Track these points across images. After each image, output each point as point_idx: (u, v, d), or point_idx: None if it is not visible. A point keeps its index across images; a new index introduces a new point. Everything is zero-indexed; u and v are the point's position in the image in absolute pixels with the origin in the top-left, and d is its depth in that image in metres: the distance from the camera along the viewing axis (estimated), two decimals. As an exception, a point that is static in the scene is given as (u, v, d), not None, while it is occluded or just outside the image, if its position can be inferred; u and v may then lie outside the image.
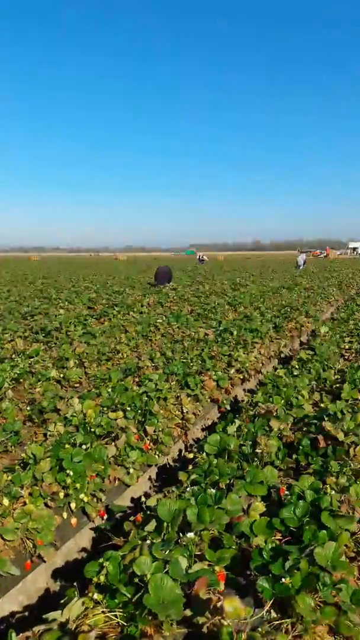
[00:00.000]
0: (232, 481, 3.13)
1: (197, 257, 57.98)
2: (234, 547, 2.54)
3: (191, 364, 6.28)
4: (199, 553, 2.49)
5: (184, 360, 6.41)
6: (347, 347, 7.63)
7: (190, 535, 2.48)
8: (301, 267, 39.14)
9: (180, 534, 2.54)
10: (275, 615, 2.13)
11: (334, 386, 5.44)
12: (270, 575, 2.24)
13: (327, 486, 2.93)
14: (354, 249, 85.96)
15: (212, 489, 2.91)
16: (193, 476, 3.22)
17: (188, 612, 2.09)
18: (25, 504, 3.10)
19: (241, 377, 6.51)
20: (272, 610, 2.15)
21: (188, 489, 3.00)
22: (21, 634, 1.98)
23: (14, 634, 1.91)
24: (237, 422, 4.11)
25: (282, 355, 8.72)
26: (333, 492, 2.86)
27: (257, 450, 3.59)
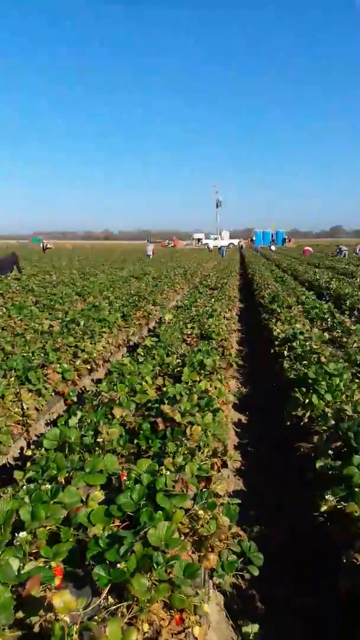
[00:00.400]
0: (71, 474, 3.08)
1: (42, 245, 55.64)
2: (71, 539, 2.51)
3: (33, 357, 6.06)
4: (35, 551, 2.41)
5: (25, 355, 6.15)
6: (189, 332, 7.97)
7: (23, 534, 2.39)
8: (150, 257, 40.05)
9: (15, 535, 2.44)
10: (113, 601, 2.15)
11: (176, 370, 5.65)
12: (107, 562, 2.25)
13: (163, 467, 3.02)
14: (199, 240, 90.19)
15: (48, 485, 2.84)
16: (29, 474, 3.11)
17: (21, 614, 2.02)
18: None
19: (89, 367, 6.46)
20: (109, 597, 2.17)
21: (24, 487, 2.88)
22: None
23: None
24: (80, 413, 4.06)
25: (131, 344, 8.84)
26: (168, 472, 2.96)
27: (99, 440, 3.58)
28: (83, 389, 6.01)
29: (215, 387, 5.06)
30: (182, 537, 2.55)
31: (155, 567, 2.25)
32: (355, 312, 10.91)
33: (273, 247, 62.54)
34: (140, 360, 6.05)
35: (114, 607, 2.09)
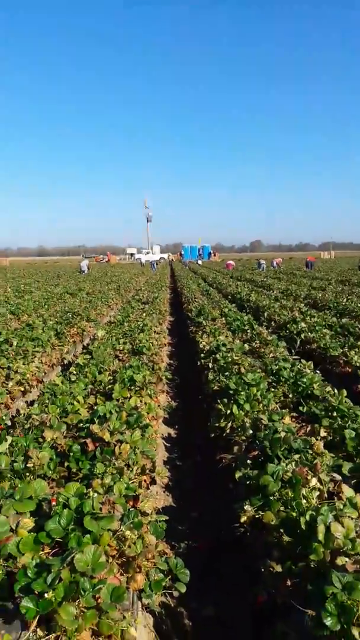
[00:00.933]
0: (1, 502, 2.93)
1: None
2: (0, 572, 2.38)
3: (-36, 381, 5.76)
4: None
5: None
6: (121, 348, 7.89)
7: None
8: (85, 272, 39.41)
9: None
10: (42, 634, 2.06)
11: (107, 387, 5.56)
12: (35, 593, 2.15)
13: (91, 490, 2.95)
14: (132, 254, 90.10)
15: (-22, 516, 2.68)
16: None
17: None
18: None
19: (22, 389, 6.21)
20: (38, 630, 2.07)
21: None
22: None
23: None
24: (10, 438, 3.88)
25: (65, 362, 8.61)
26: (96, 494, 2.89)
27: (29, 465, 3.44)
28: (17, 411, 5.76)
29: (145, 403, 5.03)
30: (110, 560, 2.49)
31: (83, 593, 2.17)
32: (272, 322, 11.27)
33: (200, 262, 63.70)
34: (72, 379, 5.91)
35: (43, 640, 2.00)
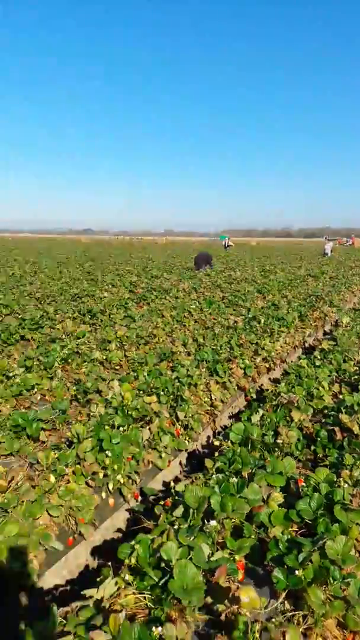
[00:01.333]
0: (253, 471, 3.09)
1: (223, 243, 54.89)
2: (253, 536, 2.52)
3: (220, 351, 6.22)
4: (221, 541, 2.47)
5: (214, 347, 6.35)
6: (367, 338, 7.39)
7: (213, 523, 2.47)
8: (328, 255, 37.99)
9: (205, 521, 2.52)
10: (289, 607, 2.10)
11: (353, 378, 5.29)
12: (285, 566, 2.21)
13: (341, 479, 2.86)
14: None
15: (235, 478, 2.88)
16: (218, 464, 3.20)
17: (209, 600, 2.09)
18: (68, 482, 3.16)
19: (267, 365, 6.40)
20: (285, 602, 2.13)
21: (213, 477, 2.98)
22: (61, 609, 2.03)
23: (55, 608, 1.95)
24: (261, 411, 4.06)
25: (307, 345, 8.52)
26: (346, 485, 2.79)
27: (278, 441, 3.54)
28: (261, 386, 5.98)
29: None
30: (357, 555, 2.39)
31: (332, 581, 2.14)
32: None
33: None
34: (317, 363, 5.81)
35: (290, 613, 2.04)
